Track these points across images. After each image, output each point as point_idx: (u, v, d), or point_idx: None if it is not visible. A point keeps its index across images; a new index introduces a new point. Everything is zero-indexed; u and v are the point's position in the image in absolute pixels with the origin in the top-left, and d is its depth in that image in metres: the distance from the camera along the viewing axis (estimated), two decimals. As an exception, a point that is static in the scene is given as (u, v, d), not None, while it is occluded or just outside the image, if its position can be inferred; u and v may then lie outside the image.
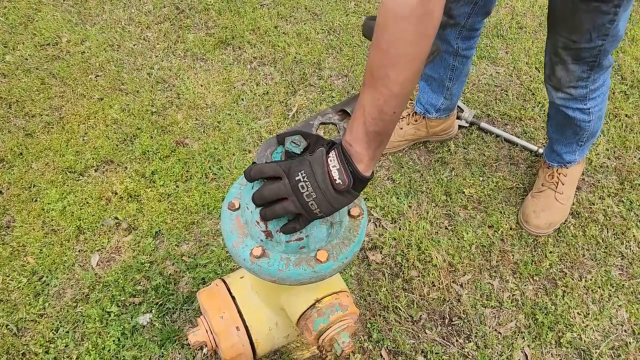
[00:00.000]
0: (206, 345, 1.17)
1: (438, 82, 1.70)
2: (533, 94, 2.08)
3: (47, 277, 1.54)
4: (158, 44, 2.28)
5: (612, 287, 1.55)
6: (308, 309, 1.04)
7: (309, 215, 0.81)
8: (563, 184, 1.65)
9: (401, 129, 1.81)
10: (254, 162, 0.86)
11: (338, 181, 0.77)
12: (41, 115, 1.99)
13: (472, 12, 1.48)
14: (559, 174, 1.66)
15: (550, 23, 1.34)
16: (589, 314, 1.49)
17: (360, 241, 1.00)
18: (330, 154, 0.78)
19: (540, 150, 1.86)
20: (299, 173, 0.78)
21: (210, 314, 1.15)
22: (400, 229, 1.65)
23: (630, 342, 1.44)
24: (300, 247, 0.94)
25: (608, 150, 1.90)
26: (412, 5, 0.68)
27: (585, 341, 1.44)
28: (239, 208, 1.00)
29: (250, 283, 1.18)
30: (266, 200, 0.83)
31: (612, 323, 1.48)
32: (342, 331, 1.04)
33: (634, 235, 1.65)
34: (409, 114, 1.82)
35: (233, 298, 1.17)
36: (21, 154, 1.85)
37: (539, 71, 2.17)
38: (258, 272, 0.95)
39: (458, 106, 2.00)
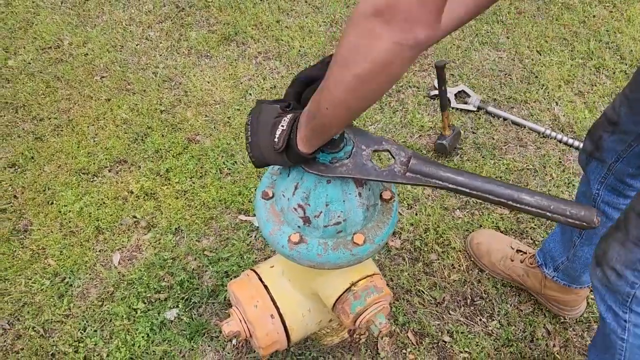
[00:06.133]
0: (240, 335, 1.19)
1: (569, 233, 1.32)
2: (536, 76, 2.11)
3: (69, 278, 1.54)
4: (161, 42, 2.28)
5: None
6: (344, 292, 1.06)
7: (248, 154, 0.88)
8: None
9: (512, 260, 1.50)
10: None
11: (275, 139, 0.82)
12: (49, 118, 1.98)
13: (623, 156, 1.09)
14: None
15: None
16: (606, 288, 1.53)
17: (393, 223, 1.02)
18: (288, 116, 0.82)
19: (548, 132, 1.89)
20: (250, 116, 0.87)
21: (244, 303, 1.16)
22: (416, 214, 1.68)
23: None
24: (338, 231, 0.96)
25: (613, 128, 1.94)
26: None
27: (604, 314, 1.48)
28: (272, 197, 1.02)
29: (281, 271, 1.20)
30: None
31: (629, 295, 1.51)
32: (378, 312, 1.06)
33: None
34: (531, 254, 1.48)
35: (265, 287, 1.18)
36: (32, 157, 1.85)
37: (540, 54, 2.20)
38: (297, 257, 0.97)
39: (464, 91, 2.03)
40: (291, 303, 1.17)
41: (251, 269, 1.23)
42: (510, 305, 1.49)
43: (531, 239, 1.63)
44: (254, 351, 1.36)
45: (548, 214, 0.78)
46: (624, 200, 1.16)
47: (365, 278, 1.08)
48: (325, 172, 0.87)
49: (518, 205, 0.80)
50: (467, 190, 0.83)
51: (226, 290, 1.48)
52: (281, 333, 1.17)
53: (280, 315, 1.16)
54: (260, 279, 1.20)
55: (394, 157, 0.89)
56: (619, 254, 0.94)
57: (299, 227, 0.96)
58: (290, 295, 1.17)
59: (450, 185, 0.84)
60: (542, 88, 2.07)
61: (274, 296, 1.17)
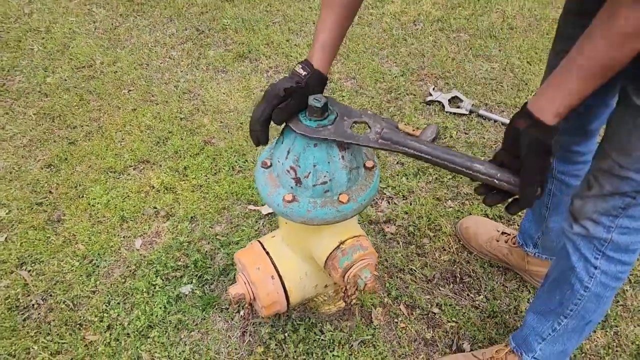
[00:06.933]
0: (244, 298, 1.34)
1: (538, 207, 1.45)
2: (526, 84, 2.27)
3: (96, 260, 1.72)
4: (182, 60, 2.52)
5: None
6: (334, 250, 1.21)
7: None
8: None
9: (497, 241, 1.62)
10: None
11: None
12: (82, 126, 2.21)
13: (564, 130, 1.20)
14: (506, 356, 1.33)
15: (604, 136, 1.03)
16: (588, 268, 1.63)
17: (375, 187, 1.17)
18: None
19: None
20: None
21: (248, 267, 1.32)
22: (411, 204, 1.82)
23: (627, 290, 1.58)
24: (325, 190, 1.12)
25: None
26: None
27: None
28: (270, 166, 1.19)
29: (281, 239, 1.35)
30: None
31: (609, 274, 1.62)
32: (364, 268, 1.20)
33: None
34: (514, 235, 1.60)
35: (267, 253, 1.34)
36: (66, 159, 2.07)
37: (530, 64, 2.36)
38: (290, 214, 1.13)
39: (457, 97, 2.19)
40: (290, 266, 1.32)
41: (256, 240, 1.39)
42: (497, 283, 1.60)
43: (517, 225, 1.75)
44: (259, 317, 1.50)
45: (495, 181, 0.90)
46: (575, 166, 1.30)
47: (352, 238, 1.22)
48: (312, 133, 1.05)
49: (471, 172, 0.92)
50: (429, 157, 0.97)
51: (236, 269, 1.64)
52: (281, 294, 1.31)
53: (280, 276, 1.31)
54: (263, 247, 1.36)
55: (370, 128, 1.06)
56: (596, 205, 1.03)
57: (291, 187, 1.13)
58: (289, 260, 1.33)
59: (416, 153, 0.98)
60: (531, 94, 2.22)
61: (274, 260, 1.32)
